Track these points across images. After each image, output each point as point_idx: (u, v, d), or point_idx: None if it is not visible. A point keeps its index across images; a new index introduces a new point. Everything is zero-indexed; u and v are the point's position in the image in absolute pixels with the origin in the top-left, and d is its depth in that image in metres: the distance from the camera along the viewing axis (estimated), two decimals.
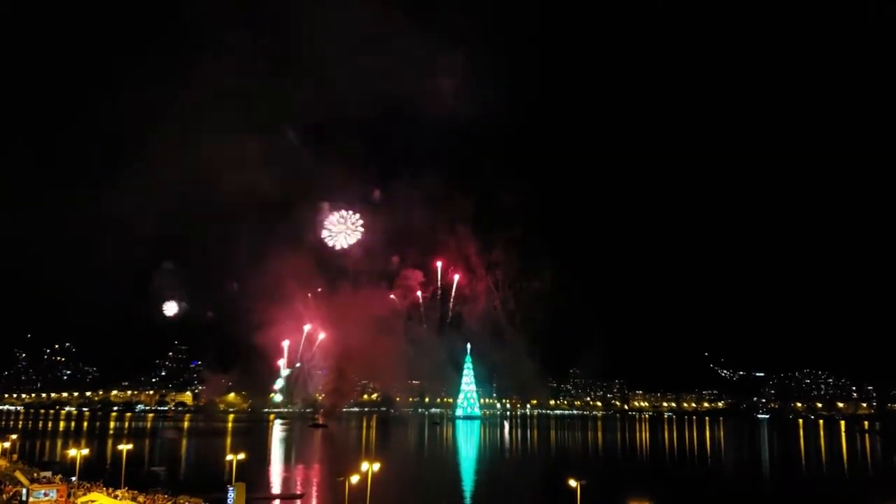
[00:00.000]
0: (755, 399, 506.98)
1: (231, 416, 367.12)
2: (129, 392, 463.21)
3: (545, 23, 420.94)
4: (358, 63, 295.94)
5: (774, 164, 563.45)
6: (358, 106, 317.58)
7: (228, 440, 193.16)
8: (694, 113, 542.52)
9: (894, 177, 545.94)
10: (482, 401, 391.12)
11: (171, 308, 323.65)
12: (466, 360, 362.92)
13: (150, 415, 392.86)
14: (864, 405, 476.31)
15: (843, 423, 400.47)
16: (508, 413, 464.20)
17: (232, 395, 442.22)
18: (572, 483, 51.63)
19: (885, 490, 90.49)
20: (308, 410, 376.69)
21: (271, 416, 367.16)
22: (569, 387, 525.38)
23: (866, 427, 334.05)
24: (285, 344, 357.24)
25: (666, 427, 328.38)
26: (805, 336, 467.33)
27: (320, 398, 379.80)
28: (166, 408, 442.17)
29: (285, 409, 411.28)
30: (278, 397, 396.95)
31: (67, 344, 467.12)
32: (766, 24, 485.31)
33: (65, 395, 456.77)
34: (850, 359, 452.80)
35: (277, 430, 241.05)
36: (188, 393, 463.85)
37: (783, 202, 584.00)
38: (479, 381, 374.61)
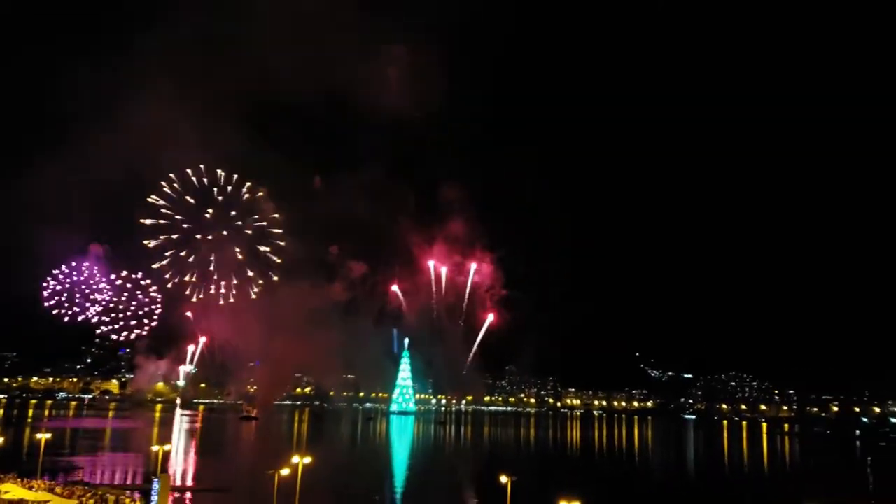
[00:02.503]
0: (682, 400, 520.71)
1: (158, 407, 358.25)
2: (51, 379, 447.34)
3: (491, 14, 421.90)
4: (299, 49, 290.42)
5: (704, 167, 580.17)
6: (299, 94, 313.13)
7: (154, 430, 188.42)
8: (635, 106, 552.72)
9: (822, 184, 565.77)
10: (418, 396, 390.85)
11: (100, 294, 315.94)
12: (404, 354, 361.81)
13: (73, 403, 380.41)
14: (786, 408, 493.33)
15: (765, 424, 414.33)
16: (443, 409, 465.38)
17: (161, 384, 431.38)
18: (503, 479, 51.77)
19: (802, 490, 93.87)
20: (239, 402, 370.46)
21: (200, 407, 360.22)
22: (504, 383, 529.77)
23: (787, 429, 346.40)
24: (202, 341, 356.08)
25: (596, 425, 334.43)
26: (732, 340, 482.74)
27: (252, 390, 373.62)
28: (90, 396, 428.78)
29: (216, 401, 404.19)
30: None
31: None
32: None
33: None
34: (773, 363, 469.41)
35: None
36: (114, 381, 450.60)
37: (711, 207, 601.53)
38: (416, 376, 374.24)
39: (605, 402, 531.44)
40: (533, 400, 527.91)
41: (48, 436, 79.43)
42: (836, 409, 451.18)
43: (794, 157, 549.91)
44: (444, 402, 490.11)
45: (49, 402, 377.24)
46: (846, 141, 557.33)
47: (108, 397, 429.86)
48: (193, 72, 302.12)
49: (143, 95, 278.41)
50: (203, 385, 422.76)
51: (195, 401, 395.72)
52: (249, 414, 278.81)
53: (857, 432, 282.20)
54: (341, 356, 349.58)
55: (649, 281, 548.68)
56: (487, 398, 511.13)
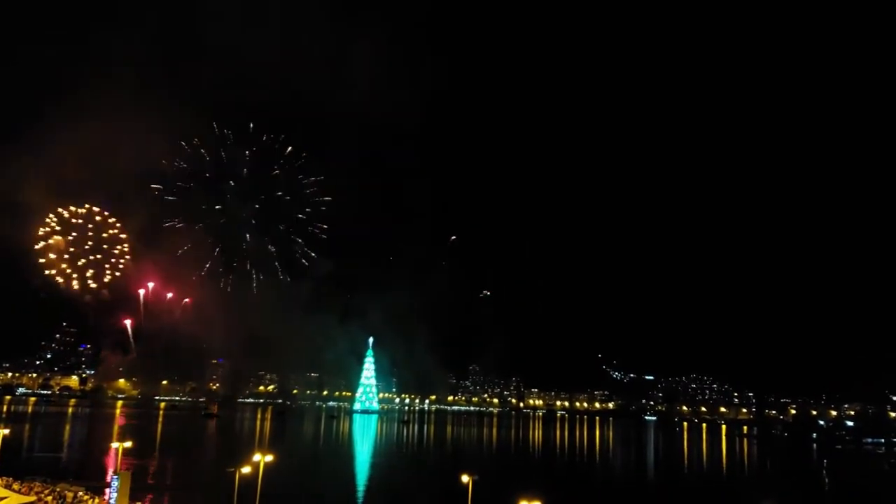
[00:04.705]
0: (644, 401, 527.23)
1: (119, 403, 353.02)
2: (10, 374, 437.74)
3: (458, 21, 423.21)
4: (267, 50, 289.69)
5: (664, 170, 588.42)
6: (266, 92, 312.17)
7: (115, 427, 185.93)
8: (587, 112, 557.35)
9: (780, 189, 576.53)
10: (382, 395, 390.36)
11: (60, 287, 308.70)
12: (368, 353, 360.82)
13: (32, 398, 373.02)
14: (745, 410, 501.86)
15: (724, 426, 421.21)
16: (407, 408, 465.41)
17: (122, 380, 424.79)
18: (465, 478, 52.43)
19: (759, 491, 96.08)
20: (201, 400, 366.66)
21: (161, 404, 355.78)
22: (468, 383, 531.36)
23: (745, 431, 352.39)
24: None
25: (558, 425, 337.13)
26: (693, 342, 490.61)
27: (214, 387, 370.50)
28: (49, 392, 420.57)
29: (177, 398, 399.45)
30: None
31: None
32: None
33: None
34: (733, 366, 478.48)
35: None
36: (74, 377, 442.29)
37: (673, 210, 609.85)
38: (381, 374, 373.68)
39: (567, 403, 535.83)
40: (496, 400, 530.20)
41: (6, 431, 78.31)
42: (793, 411, 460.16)
43: (752, 161, 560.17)
44: (407, 401, 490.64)
45: (8, 397, 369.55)
46: (803, 144, 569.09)
47: (67, 393, 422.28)
48: (155, 72, 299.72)
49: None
50: (165, 382, 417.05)
51: (157, 398, 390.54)
52: (211, 411, 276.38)
53: (814, 435, 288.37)
54: (306, 354, 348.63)
55: (612, 283, 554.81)
56: (451, 398, 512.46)
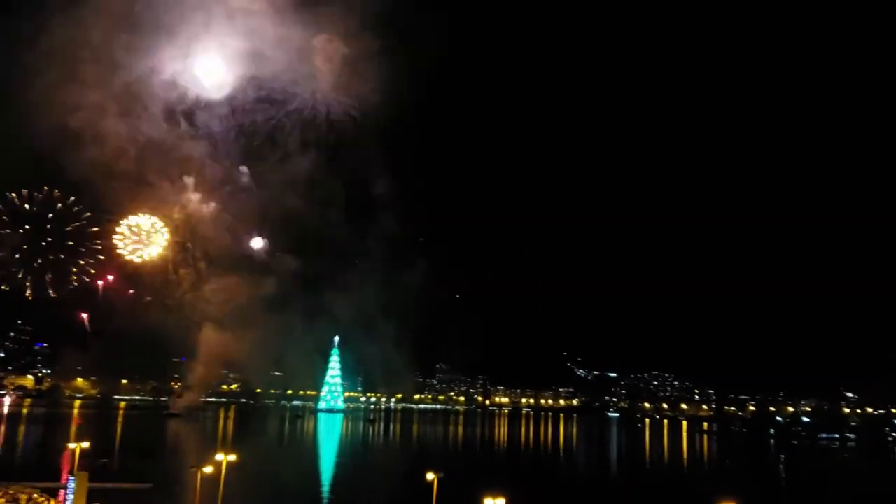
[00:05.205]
0: (607, 398, 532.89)
1: (77, 403, 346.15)
2: None
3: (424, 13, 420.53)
4: (227, 41, 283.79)
5: (624, 171, 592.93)
6: (226, 84, 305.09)
7: (73, 427, 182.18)
8: (549, 108, 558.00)
9: (735, 189, 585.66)
10: (347, 394, 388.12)
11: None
12: (333, 352, 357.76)
13: None
14: (705, 407, 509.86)
15: (685, 423, 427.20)
16: (373, 407, 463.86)
17: (80, 380, 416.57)
18: (430, 476, 52.16)
19: (719, 486, 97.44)
20: (163, 399, 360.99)
21: (122, 404, 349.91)
22: (434, 381, 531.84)
23: (706, 428, 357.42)
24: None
25: (524, 422, 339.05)
26: (656, 341, 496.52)
27: (176, 386, 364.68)
28: (4, 392, 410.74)
29: (138, 397, 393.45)
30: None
31: None
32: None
33: None
34: (694, 364, 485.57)
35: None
36: (30, 376, 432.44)
37: (635, 210, 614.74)
38: (347, 373, 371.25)
39: (532, 400, 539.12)
40: (462, 398, 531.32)
41: None
42: (752, 408, 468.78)
43: (710, 161, 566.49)
44: (374, 399, 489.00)
45: None
46: (750, 144, 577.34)
47: (20, 393, 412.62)
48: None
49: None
50: (125, 381, 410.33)
51: (116, 397, 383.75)
52: (173, 410, 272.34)
53: (772, 431, 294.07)
54: (270, 353, 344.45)
55: (578, 282, 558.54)
56: (418, 396, 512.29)
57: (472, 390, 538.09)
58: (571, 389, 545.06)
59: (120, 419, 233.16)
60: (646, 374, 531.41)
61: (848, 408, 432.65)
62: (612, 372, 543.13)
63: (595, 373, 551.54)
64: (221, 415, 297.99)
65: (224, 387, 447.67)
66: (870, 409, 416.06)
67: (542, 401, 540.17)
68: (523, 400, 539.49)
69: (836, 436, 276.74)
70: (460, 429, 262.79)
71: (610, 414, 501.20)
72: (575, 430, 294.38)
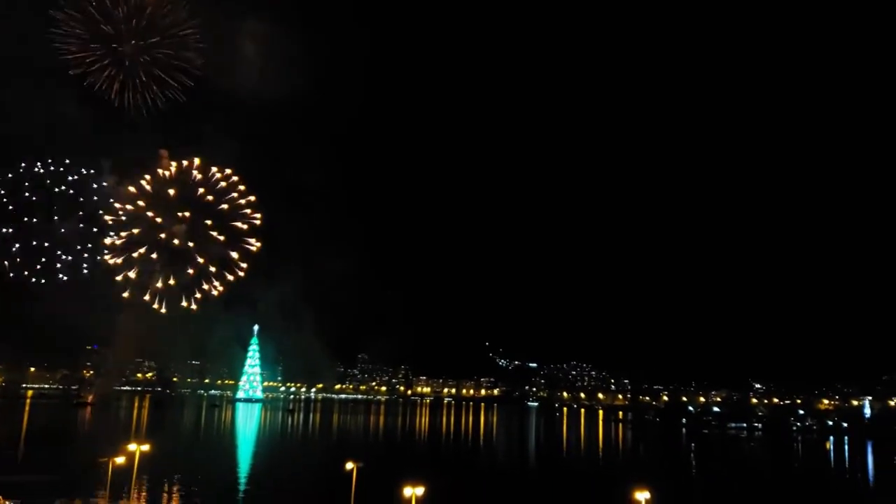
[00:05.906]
0: (527, 387, 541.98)
1: None
2: None
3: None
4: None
5: (550, 160, 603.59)
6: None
7: None
8: (493, 99, 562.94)
9: (660, 183, 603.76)
10: (267, 384, 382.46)
11: None
12: (253, 341, 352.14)
13: None
14: (621, 397, 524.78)
15: (601, 412, 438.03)
16: (293, 396, 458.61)
17: None
18: (349, 465, 52.06)
19: (632, 473, 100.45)
20: (73, 388, 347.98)
21: (29, 393, 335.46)
22: (356, 371, 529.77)
23: (620, 416, 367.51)
24: None
25: (445, 412, 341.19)
26: (574, 332, 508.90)
27: (87, 375, 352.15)
28: None
29: (47, 386, 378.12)
30: None
31: None
32: None
33: None
34: (610, 354, 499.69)
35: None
36: None
37: (556, 202, 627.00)
38: (266, 363, 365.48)
39: (454, 390, 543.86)
40: (384, 388, 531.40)
41: None
42: (665, 398, 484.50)
43: (636, 153, 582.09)
44: (293, 389, 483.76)
45: None
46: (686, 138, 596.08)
47: None
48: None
49: None
50: (33, 369, 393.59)
51: (23, 386, 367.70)
52: (84, 400, 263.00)
53: (684, 420, 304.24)
54: (187, 341, 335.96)
55: (499, 272, 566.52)
56: (338, 386, 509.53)
57: (393, 380, 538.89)
58: (493, 379, 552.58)
59: (27, 409, 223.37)
60: (564, 365, 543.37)
61: (756, 398, 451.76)
62: (532, 362, 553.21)
63: (516, 363, 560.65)
64: (136, 404, 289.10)
65: (139, 375, 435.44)
66: (776, 400, 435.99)
67: (464, 390, 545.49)
68: (445, 390, 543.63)
69: (744, 425, 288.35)
70: (381, 418, 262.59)
71: (530, 403, 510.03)
72: (495, 419, 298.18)
